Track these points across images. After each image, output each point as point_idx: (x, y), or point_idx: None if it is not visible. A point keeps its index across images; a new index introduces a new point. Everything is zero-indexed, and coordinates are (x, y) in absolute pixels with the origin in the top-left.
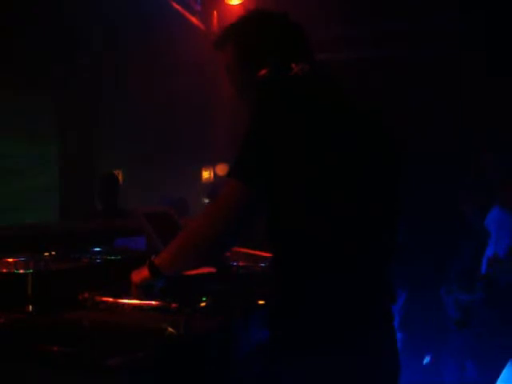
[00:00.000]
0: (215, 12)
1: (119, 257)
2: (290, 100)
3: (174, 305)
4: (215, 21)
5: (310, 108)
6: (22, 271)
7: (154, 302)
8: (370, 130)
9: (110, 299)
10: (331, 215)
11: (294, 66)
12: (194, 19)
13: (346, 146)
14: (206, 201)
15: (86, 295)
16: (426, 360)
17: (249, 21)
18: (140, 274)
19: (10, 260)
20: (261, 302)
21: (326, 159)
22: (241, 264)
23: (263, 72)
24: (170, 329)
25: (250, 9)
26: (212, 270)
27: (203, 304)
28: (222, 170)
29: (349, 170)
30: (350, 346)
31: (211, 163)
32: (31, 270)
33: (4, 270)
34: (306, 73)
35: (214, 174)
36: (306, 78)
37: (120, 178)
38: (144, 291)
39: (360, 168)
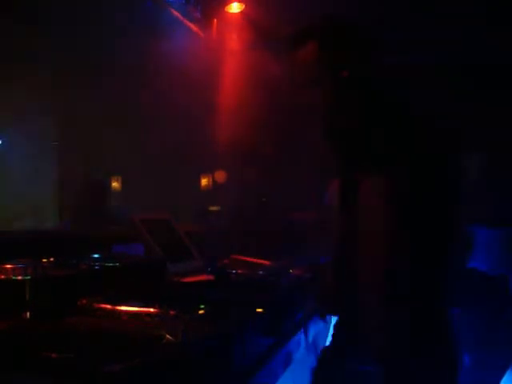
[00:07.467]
0: (215, 20)
1: (118, 263)
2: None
3: (172, 312)
4: (215, 29)
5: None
6: (20, 277)
7: (152, 309)
8: None
9: (109, 306)
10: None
11: None
12: (193, 26)
13: None
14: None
15: (85, 302)
16: None
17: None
18: None
19: (8, 266)
20: (259, 310)
21: None
22: (239, 272)
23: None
24: (168, 336)
25: (250, 17)
26: (210, 277)
27: (201, 311)
28: (220, 176)
29: None
30: None
31: (210, 170)
32: (29, 277)
33: (2, 277)
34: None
35: (213, 181)
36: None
37: (119, 184)
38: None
39: None
